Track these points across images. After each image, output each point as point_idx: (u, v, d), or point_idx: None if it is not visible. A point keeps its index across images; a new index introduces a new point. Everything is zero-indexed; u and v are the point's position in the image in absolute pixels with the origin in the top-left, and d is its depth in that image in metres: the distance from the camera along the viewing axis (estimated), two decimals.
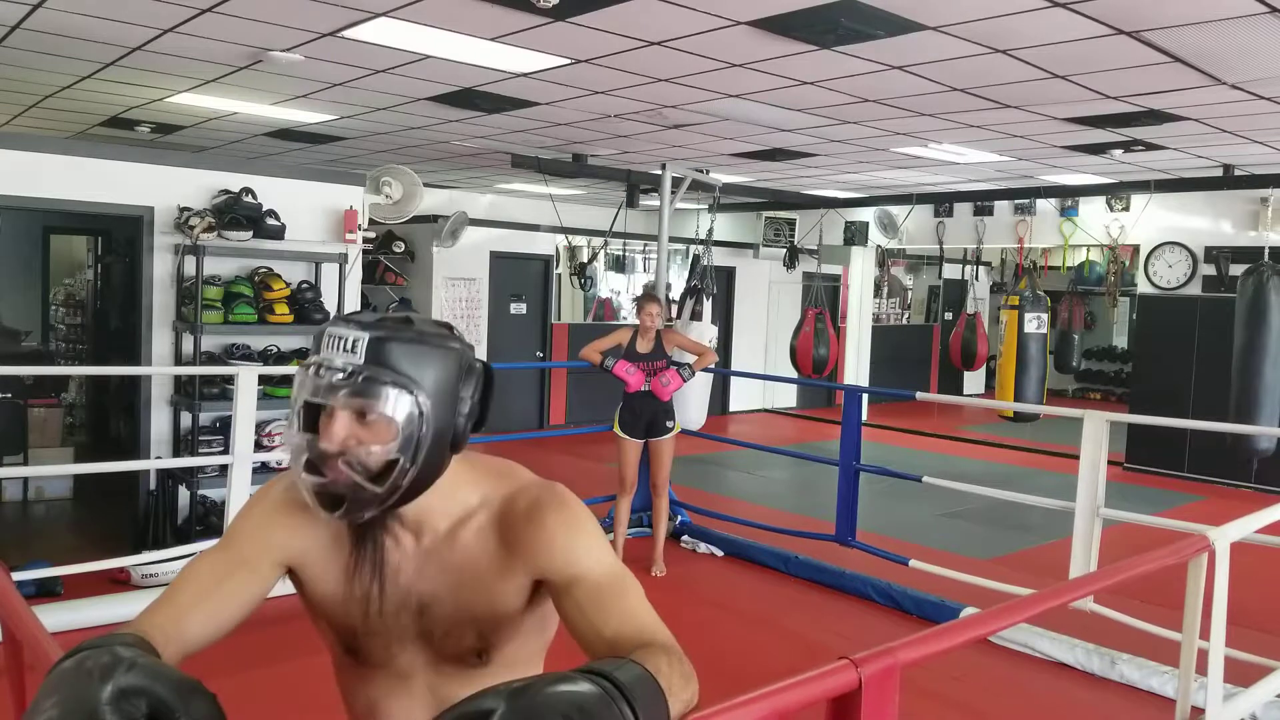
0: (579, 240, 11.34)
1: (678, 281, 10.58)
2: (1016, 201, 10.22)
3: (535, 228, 10.68)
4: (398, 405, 1.20)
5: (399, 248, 9.86)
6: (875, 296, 13.23)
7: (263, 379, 5.21)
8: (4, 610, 1.53)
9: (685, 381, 5.38)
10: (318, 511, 1.24)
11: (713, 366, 5.88)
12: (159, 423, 5.67)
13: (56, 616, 3.93)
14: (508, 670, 1.34)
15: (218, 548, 1.32)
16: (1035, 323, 8.94)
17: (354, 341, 1.21)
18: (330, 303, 5.91)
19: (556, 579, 1.27)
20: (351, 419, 1.21)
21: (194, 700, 0.92)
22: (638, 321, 5.40)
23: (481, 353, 8.03)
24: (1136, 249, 9.74)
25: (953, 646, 1.45)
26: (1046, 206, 10.11)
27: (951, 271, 14.70)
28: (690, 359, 5.48)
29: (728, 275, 12.19)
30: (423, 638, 1.36)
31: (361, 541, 1.32)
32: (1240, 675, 2.84)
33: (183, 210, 5.47)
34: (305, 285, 5.90)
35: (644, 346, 5.36)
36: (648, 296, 5.53)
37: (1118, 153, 7.53)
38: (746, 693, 1.05)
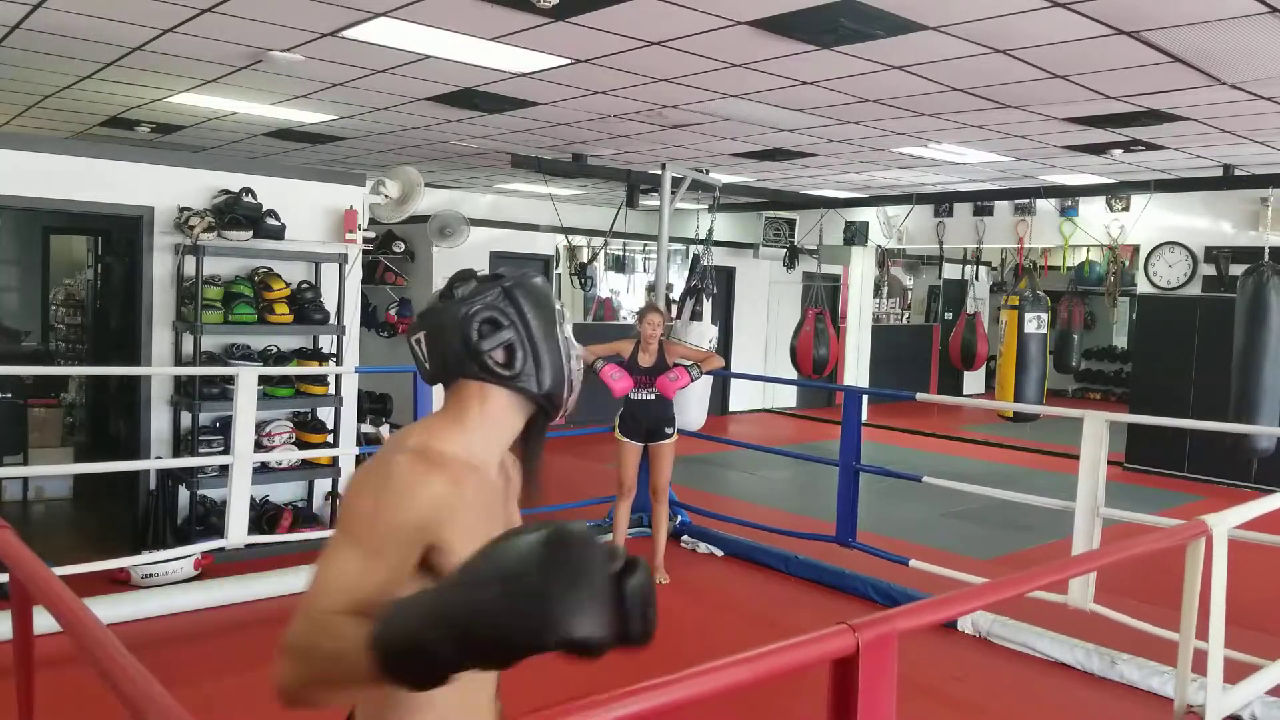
0: (579, 240, 11.34)
1: (678, 281, 10.58)
2: (1016, 201, 10.22)
3: (535, 228, 10.67)
4: None
5: (399, 248, 9.85)
6: (875, 296, 13.22)
7: (263, 379, 5.22)
8: (18, 572, 1.54)
9: (693, 380, 5.29)
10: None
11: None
12: (159, 423, 5.67)
13: None
14: None
15: (353, 549, 1.18)
16: (1035, 323, 8.94)
17: None
18: (330, 303, 5.91)
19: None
20: None
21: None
22: (640, 331, 5.32)
23: None
24: (1136, 249, 9.74)
25: (948, 616, 1.52)
26: (1046, 206, 10.11)
27: (951, 271, 14.70)
28: None
29: (728, 275, 12.18)
30: None
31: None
32: (1239, 674, 2.84)
33: (183, 210, 5.47)
34: (305, 285, 5.91)
35: (646, 360, 5.24)
36: (648, 307, 5.46)
37: (1118, 153, 7.52)
38: (750, 654, 1.11)
